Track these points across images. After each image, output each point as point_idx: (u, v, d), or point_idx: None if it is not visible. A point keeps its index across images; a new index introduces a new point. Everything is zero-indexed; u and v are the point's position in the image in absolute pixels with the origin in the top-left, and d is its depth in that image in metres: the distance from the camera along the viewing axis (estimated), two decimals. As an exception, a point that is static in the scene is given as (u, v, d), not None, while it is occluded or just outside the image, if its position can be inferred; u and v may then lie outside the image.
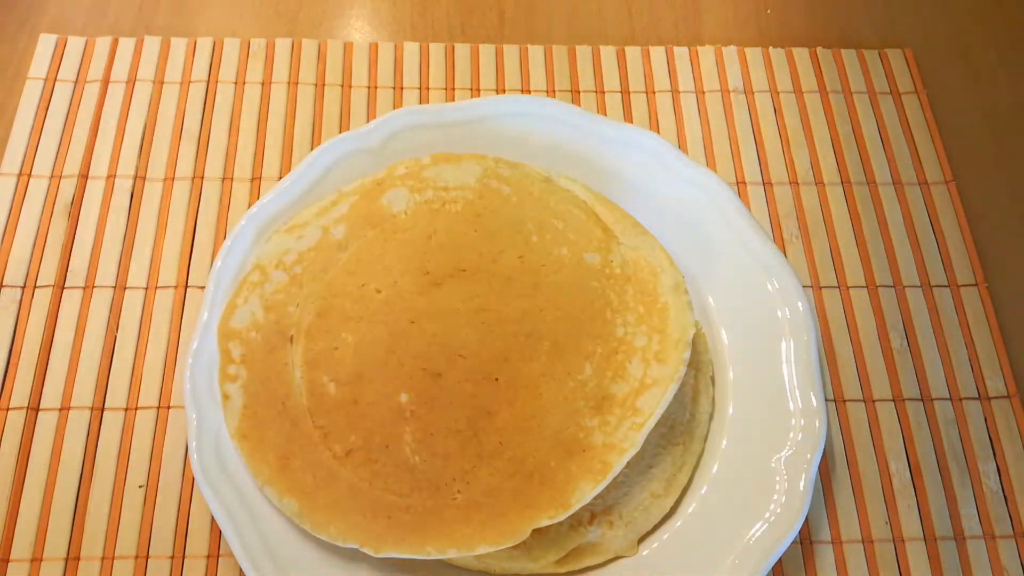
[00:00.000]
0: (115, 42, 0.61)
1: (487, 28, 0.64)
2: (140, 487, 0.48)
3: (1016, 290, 0.56)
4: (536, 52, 0.63)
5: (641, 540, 0.46)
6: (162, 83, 0.60)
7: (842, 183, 0.59)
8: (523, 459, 0.45)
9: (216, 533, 0.47)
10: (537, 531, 0.43)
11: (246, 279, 0.50)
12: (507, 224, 0.51)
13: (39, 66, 0.60)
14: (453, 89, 0.61)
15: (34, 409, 0.49)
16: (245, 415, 0.46)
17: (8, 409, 0.49)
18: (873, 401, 0.52)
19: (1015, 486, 0.50)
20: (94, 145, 0.57)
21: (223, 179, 0.57)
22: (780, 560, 0.47)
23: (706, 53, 0.63)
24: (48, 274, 0.53)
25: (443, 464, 0.45)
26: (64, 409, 0.49)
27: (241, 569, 0.45)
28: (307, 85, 0.60)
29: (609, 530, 0.45)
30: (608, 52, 0.63)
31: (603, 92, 0.61)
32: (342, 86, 0.61)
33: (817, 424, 0.46)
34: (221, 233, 0.55)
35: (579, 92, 0.61)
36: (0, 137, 0.57)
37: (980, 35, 0.66)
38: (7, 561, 0.46)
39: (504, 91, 0.61)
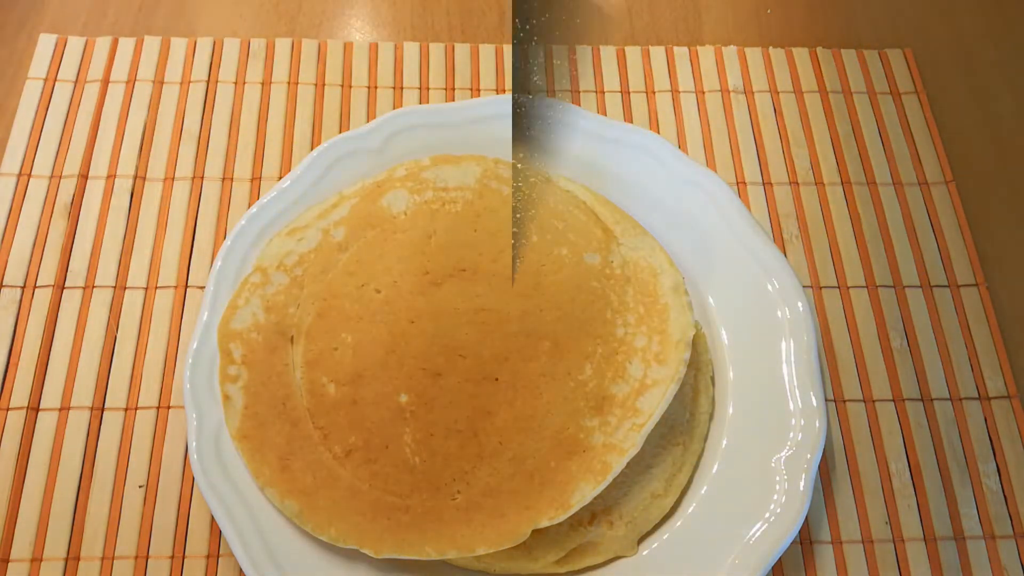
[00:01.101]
0: (115, 42, 0.61)
1: (487, 28, 0.64)
2: (140, 487, 0.48)
3: (1016, 290, 0.56)
4: (536, 52, 0.63)
5: (641, 540, 0.46)
6: (162, 83, 0.60)
7: (842, 183, 0.59)
8: (523, 459, 0.45)
9: (216, 533, 0.47)
10: (537, 531, 0.43)
11: (247, 280, 0.50)
12: (507, 224, 0.51)
13: (39, 66, 0.60)
14: (453, 89, 0.61)
15: (34, 409, 0.49)
16: (246, 416, 0.46)
17: (8, 409, 0.49)
18: (873, 401, 0.52)
19: (1015, 486, 0.50)
20: (94, 145, 0.57)
21: (223, 179, 0.57)
22: (780, 560, 0.47)
23: (706, 53, 0.63)
24: (48, 274, 0.53)
25: (443, 464, 0.45)
26: (64, 409, 0.49)
27: (241, 569, 0.45)
28: (307, 85, 0.60)
29: (609, 530, 0.45)
30: (608, 52, 0.63)
31: (603, 92, 0.61)
32: (342, 86, 0.61)
33: (817, 424, 0.46)
34: (221, 233, 0.55)
35: (579, 92, 0.61)
36: (0, 137, 0.57)
37: (980, 35, 0.66)
38: (7, 561, 0.46)
39: (504, 91, 0.61)
